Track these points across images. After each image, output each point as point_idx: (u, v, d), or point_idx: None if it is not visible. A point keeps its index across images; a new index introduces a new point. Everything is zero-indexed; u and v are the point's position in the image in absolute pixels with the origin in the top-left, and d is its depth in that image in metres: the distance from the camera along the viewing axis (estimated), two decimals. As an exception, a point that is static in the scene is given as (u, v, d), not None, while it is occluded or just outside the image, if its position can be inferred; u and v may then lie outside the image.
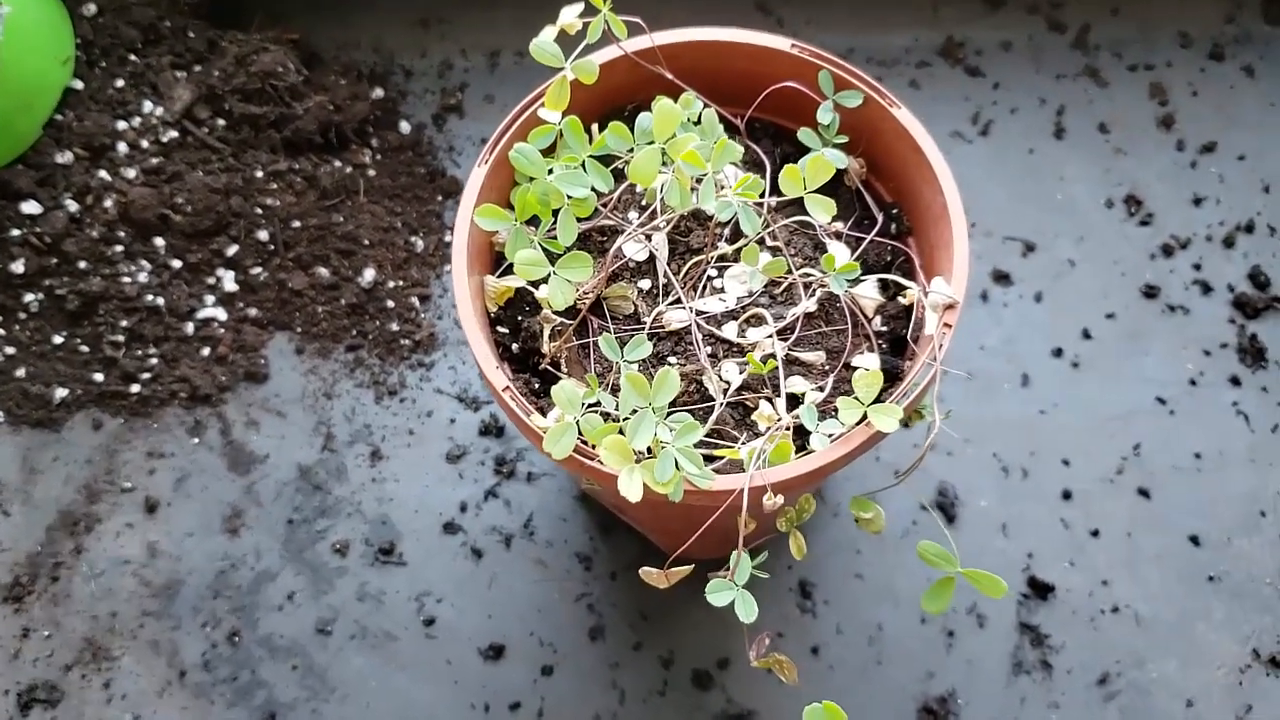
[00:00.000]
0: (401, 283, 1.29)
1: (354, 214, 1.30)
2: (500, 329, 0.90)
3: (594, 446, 0.77)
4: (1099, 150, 1.39)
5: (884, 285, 0.90)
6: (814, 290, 0.86)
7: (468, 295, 0.84)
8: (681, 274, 0.87)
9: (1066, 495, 1.22)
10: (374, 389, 1.26)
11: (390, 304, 1.28)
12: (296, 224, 1.28)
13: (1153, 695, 1.15)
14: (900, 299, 0.89)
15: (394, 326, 1.28)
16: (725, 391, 0.83)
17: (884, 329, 0.89)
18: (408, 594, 1.19)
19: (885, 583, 1.19)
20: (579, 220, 0.84)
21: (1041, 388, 1.27)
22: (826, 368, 0.86)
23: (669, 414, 0.76)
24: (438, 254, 1.32)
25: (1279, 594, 1.18)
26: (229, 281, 1.27)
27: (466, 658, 1.17)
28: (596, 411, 0.78)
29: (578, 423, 0.77)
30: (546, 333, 0.87)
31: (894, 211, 0.94)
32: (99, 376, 1.25)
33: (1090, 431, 1.25)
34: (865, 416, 0.78)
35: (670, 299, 0.87)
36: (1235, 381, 1.27)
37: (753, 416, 0.83)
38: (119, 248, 1.25)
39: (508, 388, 0.82)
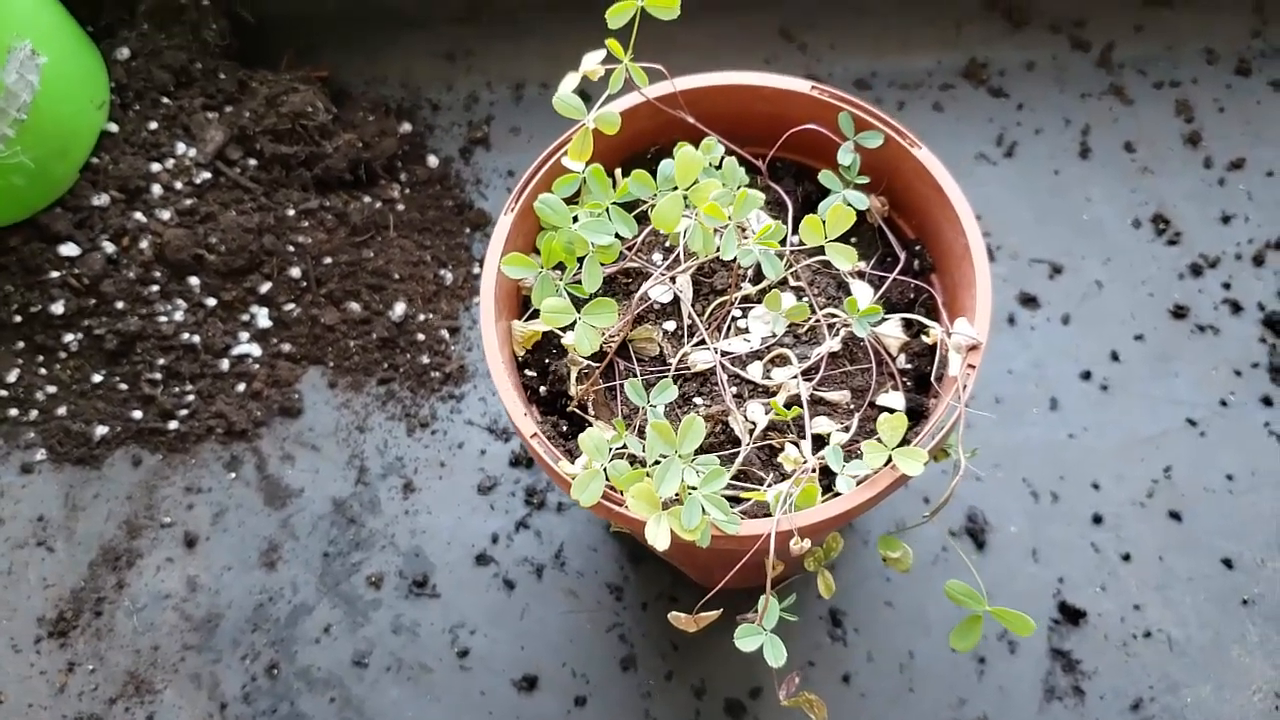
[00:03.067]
0: (431, 316, 1.31)
1: (384, 249, 1.32)
2: (528, 372, 0.91)
3: (622, 492, 0.78)
4: (1125, 169, 1.39)
5: (908, 323, 0.91)
6: (838, 330, 0.87)
7: (495, 341, 0.86)
8: (706, 315, 0.88)
9: (1097, 519, 1.22)
10: (406, 421, 1.28)
11: (421, 337, 1.30)
12: (328, 260, 1.30)
13: (1187, 721, 1.15)
14: (924, 337, 0.90)
15: (425, 359, 1.29)
16: (751, 433, 0.84)
17: (908, 366, 0.90)
18: (441, 625, 1.21)
19: (916, 610, 1.19)
20: (603, 265, 0.85)
21: (1070, 411, 1.27)
22: (852, 407, 0.86)
23: (695, 456, 0.77)
24: (466, 286, 1.33)
25: (1314, 617, 1.18)
26: (263, 318, 1.29)
27: (500, 689, 1.18)
28: (624, 456, 0.79)
29: (605, 470, 0.78)
30: (574, 376, 0.88)
31: (916, 249, 0.94)
32: (138, 414, 1.27)
33: (1120, 454, 1.25)
34: (891, 459, 0.79)
35: (695, 340, 0.88)
36: (1267, 401, 1.26)
37: (779, 458, 0.84)
38: (155, 287, 1.27)
39: (536, 434, 0.83)
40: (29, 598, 1.24)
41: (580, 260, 0.85)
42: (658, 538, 0.75)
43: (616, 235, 0.84)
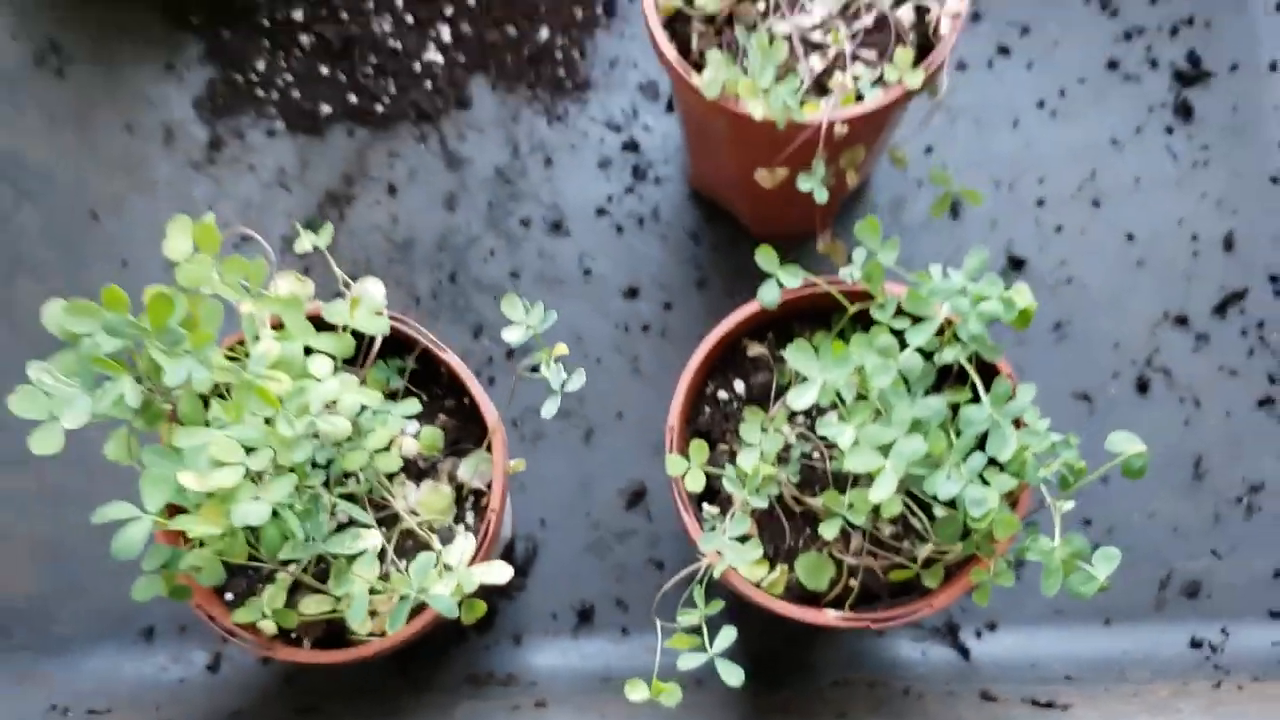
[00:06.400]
0: (567, 40, 1.78)
1: (531, -10, 1.79)
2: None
3: (736, 97, 1.27)
4: (1086, -38, 1.85)
5: (917, 11, 1.38)
6: (872, 8, 1.35)
7: (654, 9, 1.33)
8: (786, -1, 1.36)
9: (1040, 202, 1.71)
10: (546, 115, 1.76)
11: (559, 55, 1.77)
12: (491, -5, 1.77)
13: (1091, 339, 1.66)
14: (926, 19, 1.37)
15: (561, 72, 1.77)
16: (811, 72, 1.32)
17: (915, 38, 1.38)
18: (572, 255, 1.71)
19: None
20: (723, -42, 1.32)
21: (1027, 130, 1.75)
22: (877, 60, 1.35)
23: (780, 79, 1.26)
24: (591, 14, 1.80)
25: (1188, 271, 1.68)
26: (445, 34, 1.76)
27: (612, 297, 1.69)
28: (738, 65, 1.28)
29: (723, 78, 1.26)
30: (695, 35, 1.36)
31: (926, -35, 1.41)
32: (353, 98, 1.75)
33: (1061, 160, 1.73)
34: (900, 79, 1.27)
35: (777, 13, 1.35)
36: (1169, 130, 1.75)
37: (830, 83, 1.32)
38: (371, 3, 1.74)
39: (676, 57, 1.31)
40: (275, 220, 1.73)
41: (708, -48, 1.32)
42: (754, 109, 1.23)
43: (733, -64, 1.31)
